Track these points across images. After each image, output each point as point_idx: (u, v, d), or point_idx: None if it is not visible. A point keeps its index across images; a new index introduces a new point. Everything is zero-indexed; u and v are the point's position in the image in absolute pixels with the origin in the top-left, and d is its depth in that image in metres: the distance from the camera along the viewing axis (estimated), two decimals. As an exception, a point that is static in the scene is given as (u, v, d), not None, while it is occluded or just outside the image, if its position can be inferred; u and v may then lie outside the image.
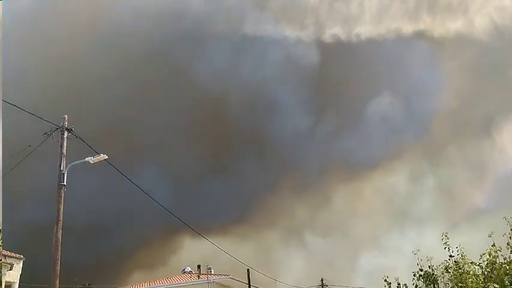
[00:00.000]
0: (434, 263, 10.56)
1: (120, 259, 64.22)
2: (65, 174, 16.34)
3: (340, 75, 70.39)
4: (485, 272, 9.19)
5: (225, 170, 71.96)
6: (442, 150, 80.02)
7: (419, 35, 64.54)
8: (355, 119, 74.47)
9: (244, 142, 70.64)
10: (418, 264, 10.86)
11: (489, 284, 8.53)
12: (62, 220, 15.85)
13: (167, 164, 68.02)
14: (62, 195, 16.16)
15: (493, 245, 9.20)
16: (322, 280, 54.63)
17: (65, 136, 16.59)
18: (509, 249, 9.27)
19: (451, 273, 9.90)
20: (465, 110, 74.76)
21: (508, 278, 8.57)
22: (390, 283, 11.08)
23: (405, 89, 73.53)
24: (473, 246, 9.59)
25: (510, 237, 9.27)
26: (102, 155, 17.13)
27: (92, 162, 17.03)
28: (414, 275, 10.94)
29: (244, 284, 36.74)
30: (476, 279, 8.92)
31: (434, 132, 76.42)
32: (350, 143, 72.56)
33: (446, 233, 9.95)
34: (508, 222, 9.34)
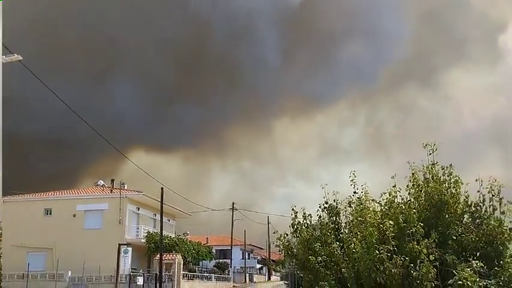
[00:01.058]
0: (343, 197, 11.21)
1: (76, 168, 63.61)
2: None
3: (318, 19, 70.54)
4: (384, 210, 9.87)
5: (194, 94, 71.69)
6: (385, 97, 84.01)
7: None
8: (321, 61, 76.15)
9: (217, 70, 70.13)
10: (324, 197, 11.50)
11: (385, 220, 9.14)
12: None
13: (140, 79, 66.57)
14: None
15: (394, 186, 9.86)
16: (233, 204, 56.76)
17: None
18: (408, 191, 9.99)
19: (353, 208, 10.57)
20: (419, 61, 77.97)
21: (403, 216, 9.25)
22: (297, 212, 11.67)
23: (373, 37, 75.51)
24: (385, 186, 10.17)
25: (410, 180, 9.97)
26: (15, 55, 16.04)
27: (3, 61, 15.97)
28: (320, 207, 11.59)
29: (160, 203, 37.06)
30: (375, 215, 9.56)
31: (385, 79, 79.83)
32: (309, 84, 74.49)
33: (354, 171, 10.52)
34: (411, 166, 10.00)
